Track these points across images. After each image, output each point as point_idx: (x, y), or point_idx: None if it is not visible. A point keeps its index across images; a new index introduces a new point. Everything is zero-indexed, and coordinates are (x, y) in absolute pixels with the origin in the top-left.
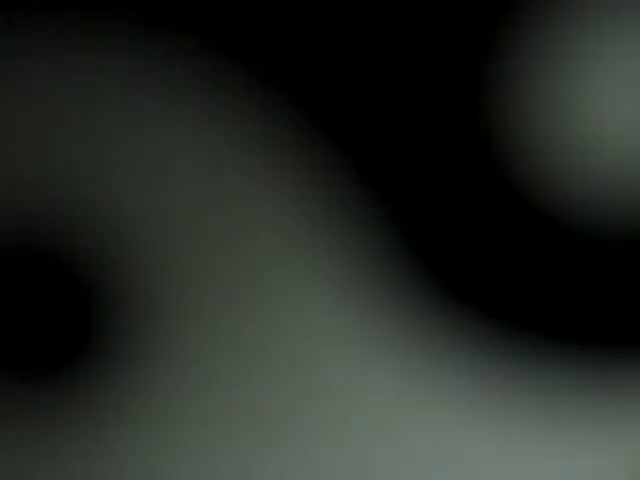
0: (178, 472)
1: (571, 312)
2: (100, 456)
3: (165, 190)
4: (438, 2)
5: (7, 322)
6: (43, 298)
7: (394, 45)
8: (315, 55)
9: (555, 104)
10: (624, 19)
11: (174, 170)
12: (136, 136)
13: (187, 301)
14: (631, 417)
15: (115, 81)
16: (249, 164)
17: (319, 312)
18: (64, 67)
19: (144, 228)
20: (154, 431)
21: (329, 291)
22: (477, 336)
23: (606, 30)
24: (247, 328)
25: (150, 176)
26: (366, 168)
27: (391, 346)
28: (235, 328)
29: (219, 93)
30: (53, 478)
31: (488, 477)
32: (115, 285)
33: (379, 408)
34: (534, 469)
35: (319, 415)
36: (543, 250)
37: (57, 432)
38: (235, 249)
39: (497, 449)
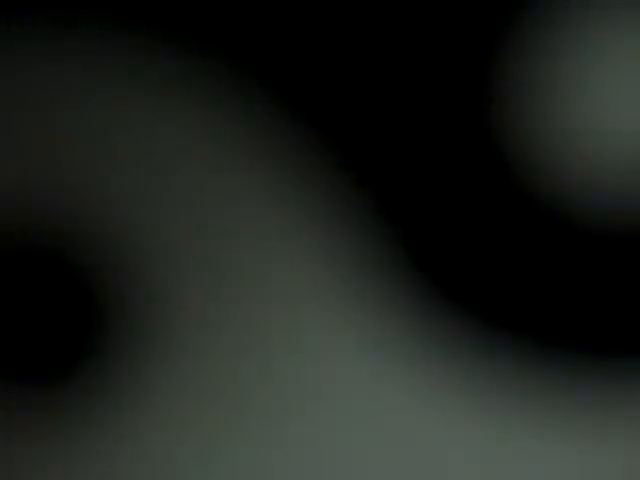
0: (178, 472)
1: (569, 313)
2: (100, 458)
3: (165, 190)
4: (444, 4)
5: (9, 323)
6: (44, 300)
7: (398, 48)
8: (321, 60)
9: (557, 104)
10: (625, 19)
11: (174, 170)
12: (136, 136)
13: (188, 301)
14: (627, 417)
15: (115, 81)
16: (248, 165)
17: (318, 313)
18: (64, 67)
19: (145, 229)
20: (154, 431)
21: (327, 293)
22: (476, 337)
23: (607, 30)
24: (247, 330)
25: (150, 176)
26: (365, 169)
27: (390, 348)
28: (235, 329)
29: (219, 94)
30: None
31: (488, 476)
32: (117, 286)
33: (379, 410)
34: (533, 469)
35: (318, 416)
36: (541, 251)
37: (58, 433)
38: (235, 250)
39: (497, 449)
